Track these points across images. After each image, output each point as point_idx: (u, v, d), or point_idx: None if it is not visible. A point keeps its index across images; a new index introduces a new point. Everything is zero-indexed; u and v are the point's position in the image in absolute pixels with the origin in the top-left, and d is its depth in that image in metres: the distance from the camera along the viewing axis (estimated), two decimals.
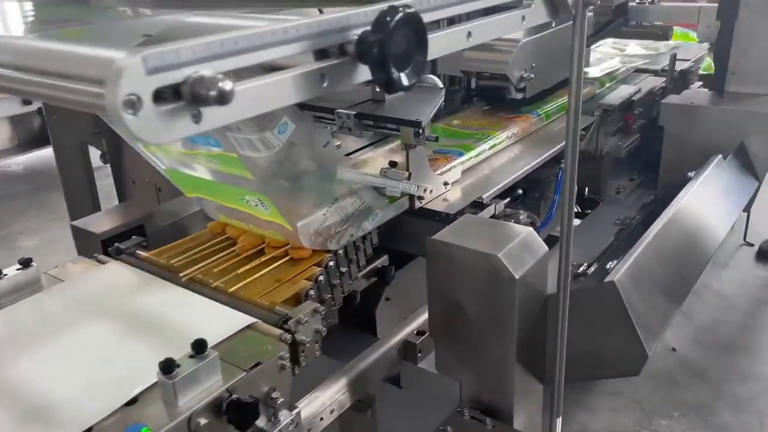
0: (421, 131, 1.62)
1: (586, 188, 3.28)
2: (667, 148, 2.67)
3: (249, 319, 1.25)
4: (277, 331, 1.25)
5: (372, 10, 0.81)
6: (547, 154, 2.18)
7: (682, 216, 1.95)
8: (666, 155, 2.68)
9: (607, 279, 1.58)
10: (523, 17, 1.09)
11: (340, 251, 1.57)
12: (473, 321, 1.60)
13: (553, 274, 2.08)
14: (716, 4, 2.68)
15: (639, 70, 3.12)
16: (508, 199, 2.09)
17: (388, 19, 0.80)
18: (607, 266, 2.03)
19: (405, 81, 0.84)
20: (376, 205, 1.61)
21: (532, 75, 2.34)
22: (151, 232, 1.65)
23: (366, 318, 1.99)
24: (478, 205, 1.85)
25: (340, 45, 0.81)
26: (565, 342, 1.54)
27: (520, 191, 2.13)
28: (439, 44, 0.92)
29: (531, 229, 1.63)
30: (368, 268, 1.75)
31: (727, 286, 3.68)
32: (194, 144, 1.28)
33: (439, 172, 1.91)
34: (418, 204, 1.78)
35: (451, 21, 1.02)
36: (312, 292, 1.40)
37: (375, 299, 1.96)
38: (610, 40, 3.32)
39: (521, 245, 1.58)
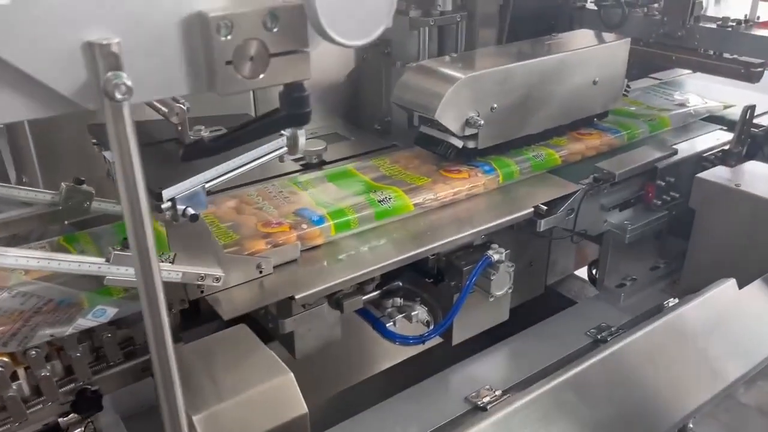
0: (165, 205, 1.15)
1: None
2: (696, 240, 1.90)
3: None
4: None
5: None
6: (460, 236, 1.57)
7: (605, 375, 1.28)
8: (694, 249, 1.92)
9: None
10: None
11: (33, 351, 1.16)
12: None
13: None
14: None
15: (711, 118, 2.29)
16: (376, 293, 1.55)
17: None
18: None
19: None
20: (93, 299, 1.18)
21: (482, 121, 1.72)
22: None
23: None
24: (285, 309, 1.34)
25: None
26: None
27: (399, 283, 1.57)
28: None
29: (290, 376, 1.11)
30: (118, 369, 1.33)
31: None
32: None
33: (271, 245, 1.42)
34: (197, 294, 1.31)
35: None
36: None
37: None
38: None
39: (263, 401, 1.08)
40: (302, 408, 1.09)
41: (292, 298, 1.32)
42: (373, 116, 2.34)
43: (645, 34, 2.29)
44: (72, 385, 1.31)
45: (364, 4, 0.74)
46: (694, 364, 1.42)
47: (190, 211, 1.18)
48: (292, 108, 0.92)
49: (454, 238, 1.55)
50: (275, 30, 0.72)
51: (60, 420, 2.21)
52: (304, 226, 1.47)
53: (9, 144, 1.91)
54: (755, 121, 2.07)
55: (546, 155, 1.87)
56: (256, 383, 1.08)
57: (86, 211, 1.46)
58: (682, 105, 2.32)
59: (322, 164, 1.96)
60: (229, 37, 0.69)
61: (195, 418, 1.01)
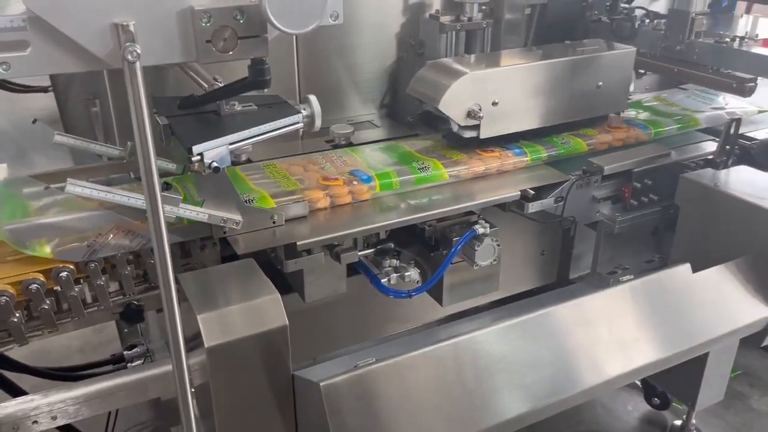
0: (193, 158, 1.48)
1: None
2: (680, 235, 2.07)
3: None
4: None
5: None
6: (440, 210, 1.84)
7: (545, 327, 1.51)
8: (678, 242, 2.08)
9: (317, 378, 1.31)
10: None
11: (92, 264, 1.53)
12: None
13: None
14: None
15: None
16: (370, 251, 1.84)
17: None
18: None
19: None
20: (136, 227, 1.53)
21: (481, 114, 1.97)
22: None
23: None
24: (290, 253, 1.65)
25: None
26: None
27: (392, 245, 1.84)
28: None
29: (277, 296, 1.41)
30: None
31: None
32: None
33: (328, 196, 1.78)
34: (221, 233, 1.64)
35: None
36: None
37: None
38: None
39: (249, 310, 1.38)
40: (284, 321, 1.38)
41: (294, 243, 1.63)
42: (407, 109, 2.61)
43: (653, 48, 2.43)
44: (121, 299, 1.67)
45: (303, 5, 1.05)
46: (635, 333, 1.62)
47: (215, 164, 1.50)
48: (255, 76, 1.24)
49: (429, 213, 1.83)
50: (242, 21, 1.04)
51: (125, 353, 2.63)
52: (355, 182, 1.82)
53: (102, 118, 2.32)
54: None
55: (573, 144, 2.11)
56: (250, 298, 1.39)
57: None
58: (717, 108, 2.47)
59: (349, 146, 2.26)
60: (208, 24, 1.02)
61: (199, 317, 1.33)
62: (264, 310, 1.38)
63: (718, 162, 2.10)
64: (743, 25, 2.67)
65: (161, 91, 2.02)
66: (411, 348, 1.44)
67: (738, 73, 2.20)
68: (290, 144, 2.36)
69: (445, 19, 2.43)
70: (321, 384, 1.30)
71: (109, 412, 2.41)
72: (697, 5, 2.22)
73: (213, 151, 1.50)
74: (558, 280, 2.56)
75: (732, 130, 2.09)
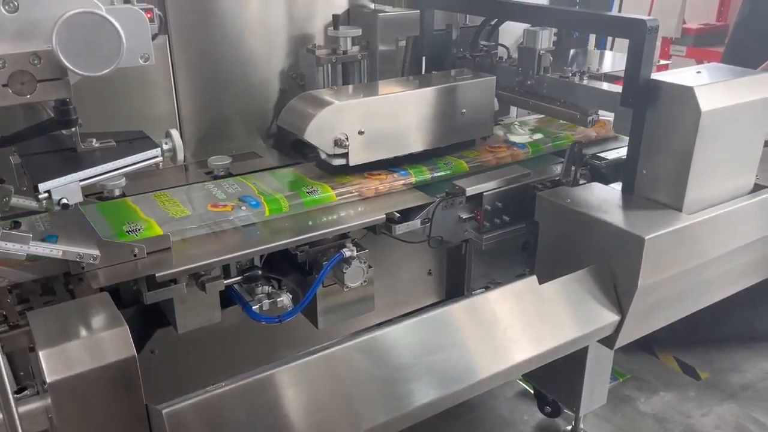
0: (42, 196, 1.49)
1: None
2: (542, 249, 2.20)
3: None
4: None
5: None
6: (303, 236, 1.89)
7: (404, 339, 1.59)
8: (540, 257, 2.21)
9: (161, 405, 1.34)
10: None
11: None
12: None
13: None
14: None
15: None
16: (239, 278, 1.88)
17: None
18: None
19: None
20: None
21: (348, 143, 2.06)
22: None
23: None
24: (153, 281, 1.68)
25: None
26: None
27: (259, 271, 1.89)
28: None
29: (125, 328, 1.43)
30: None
31: None
32: None
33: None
34: (79, 269, 1.65)
35: None
36: None
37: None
38: None
39: (93, 343, 1.40)
40: (131, 352, 1.40)
41: (153, 275, 1.66)
42: (289, 139, 2.68)
43: (510, 82, 2.53)
44: None
45: (98, 49, 1.11)
46: (487, 342, 1.71)
47: (64, 201, 1.52)
48: (60, 116, 1.29)
49: (292, 239, 1.89)
50: (39, 65, 1.10)
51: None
52: None
53: None
54: None
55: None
56: (96, 331, 1.41)
57: (6, 205, 1.81)
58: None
59: (229, 176, 2.30)
60: (2, 69, 1.07)
61: (41, 353, 1.34)
62: (110, 343, 1.40)
63: (564, 182, 2.24)
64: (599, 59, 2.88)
65: None
66: (266, 369, 1.49)
67: (581, 105, 2.33)
68: (176, 175, 2.40)
69: (322, 52, 2.53)
70: (164, 411, 1.33)
71: None
72: (542, 42, 2.37)
73: (63, 187, 1.53)
74: (450, 298, 2.66)
75: (576, 152, 2.24)
